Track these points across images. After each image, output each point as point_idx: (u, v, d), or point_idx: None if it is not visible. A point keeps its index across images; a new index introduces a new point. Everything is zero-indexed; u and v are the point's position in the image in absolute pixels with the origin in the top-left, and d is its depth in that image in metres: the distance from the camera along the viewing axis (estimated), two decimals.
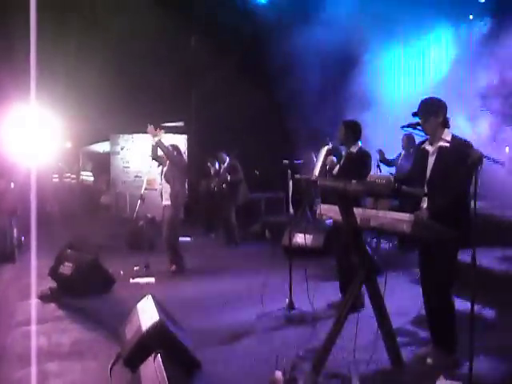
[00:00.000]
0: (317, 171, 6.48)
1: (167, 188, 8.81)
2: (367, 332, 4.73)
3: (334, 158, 6.72)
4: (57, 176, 19.78)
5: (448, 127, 4.77)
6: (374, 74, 12.32)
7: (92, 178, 20.84)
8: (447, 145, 4.62)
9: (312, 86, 12.16)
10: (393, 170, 9.81)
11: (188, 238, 11.92)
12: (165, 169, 8.92)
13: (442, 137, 4.67)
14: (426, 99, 4.84)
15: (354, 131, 6.61)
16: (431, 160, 4.77)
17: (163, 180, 8.92)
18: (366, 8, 11.37)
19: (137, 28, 14.03)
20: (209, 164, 12.74)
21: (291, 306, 6.59)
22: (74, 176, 21.18)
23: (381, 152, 9.71)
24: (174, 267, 8.95)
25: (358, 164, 6.37)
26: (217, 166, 12.58)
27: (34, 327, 6.07)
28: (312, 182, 6.20)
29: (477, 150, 4.15)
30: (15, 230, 10.26)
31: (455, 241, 4.42)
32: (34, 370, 4.90)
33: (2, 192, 11.17)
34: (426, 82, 12.65)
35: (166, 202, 8.83)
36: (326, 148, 6.61)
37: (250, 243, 12.10)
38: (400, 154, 10.04)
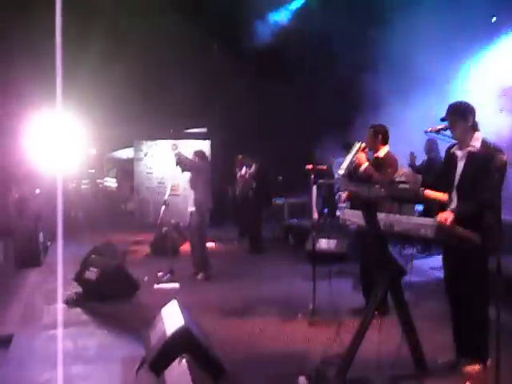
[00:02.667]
0: (344, 169, 6.39)
1: (192, 194, 8.87)
2: (391, 336, 4.71)
3: (364, 156, 6.65)
4: (87, 182, 19.98)
5: (478, 131, 4.70)
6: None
7: (116, 184, 21.00)
8: (477, 150, 4.56)
9: (336, 89, 12.14)
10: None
11: (212, 244, 11.95)
12: (190, 175, 8.98)
13: (472, 141, 4.61)
14: (454, 103, 4.77)
15: (382, 135, 6.56)
16: (460, 165, 4.70)
17: (189, 186, 8.99)
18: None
19: (161, 35, 14.15)
20: (237, 169, 12.64)
21: (315, 311, 6.58)
22: (100, 181, 21.39)
23: (412, 155, 9.61)
24: (201, 275, 8.97)
25: (386, 168, 6.31)
26: (243, 170, 12.51)
27: (59, 331, 6.13)
28: (340, 180, 6.15)
29: (502, 154, 4.10)
30: (41, 235, 10.37)
31: (483, 248, 4.34)
32: (59, 372, 4.95)
33: (27, 197, 11.31)
34: None
35: (192, 208, 8.88)
36: (358, 145, 6.52)
37: (273, 249, 12.10)
38: (423, 161, 10.00)
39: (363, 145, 6.53)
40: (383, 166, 6.39)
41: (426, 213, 8.28)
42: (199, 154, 9.17)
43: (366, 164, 6.49)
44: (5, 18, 12.52)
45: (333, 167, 11.89)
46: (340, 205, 8.93)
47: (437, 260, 8.22)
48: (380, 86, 10.77)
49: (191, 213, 8.94)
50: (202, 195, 8.85)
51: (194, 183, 8.89)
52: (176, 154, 8.75)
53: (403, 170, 6.44)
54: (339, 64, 11.65)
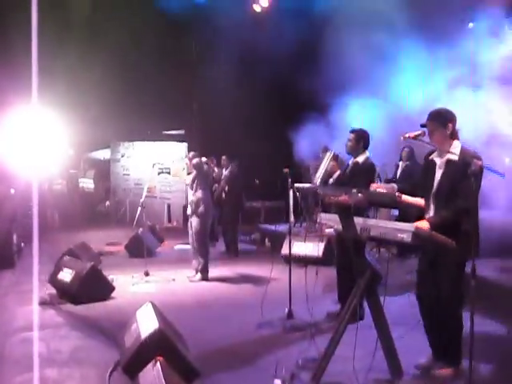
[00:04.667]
0: (319, 178, 6.46)
1: (193, 197, 8.94)
2: (366, 341, 4.72)
3: (336, 164, 6.70)
4: (61, 182, 19.78)
5: (457, 139, 4.72)
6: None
7: (93, 185, 20.86)
8: (456, 158, 4.59)
9: (314, 95, 12.17)
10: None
11: (188, 246, 11.90)
12: (191, 178, 8.97)
13: (451, 149, 4.63)
14: (435, 110, 4.79)
15: (365, 140, 6.57)
16: (439, 173, 4.73)
17: (189, 189, 9.04)
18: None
19: (139, 37, 14.09)
20: (223, 169, 12.55)
21: (290, 315, 6.58)
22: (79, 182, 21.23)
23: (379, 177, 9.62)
24: (198, 276, 8.98)
25: (363, 175, 6.32)
26: (223, 171, 12.47)
27: (33, 333, 6.05)
28: (314, 190, 6.19)
29: (478, 160, 4.14)
30: (15, 236, 10.25)
31: (459, 253, 4.37)
32: (33, 376, 4.88)
33: (1, 198, 11.17)
34: None
35: (191, 211, 8.95)
36: (329, 154, 6.56)
37: (249, 252, 12.10)
38: (397, 166, 10.06)
39: (333, 153, 6.58)
40: (360, 171, 6.41)
41: (402, 217, 8.35)
42: (196, 155, 9.19)
43: (337, 172, 6.53)
44: None
45: (310, 170, 11.95)
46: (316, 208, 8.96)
47: (412, 264, 8.29)
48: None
49: (191, 216, 8.97)
50: (204, 198, 8.87)
51: (195, 186, 8.91)
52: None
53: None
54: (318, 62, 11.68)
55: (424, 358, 4.93)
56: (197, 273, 9.00)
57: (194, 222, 8.91)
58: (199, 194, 8.84)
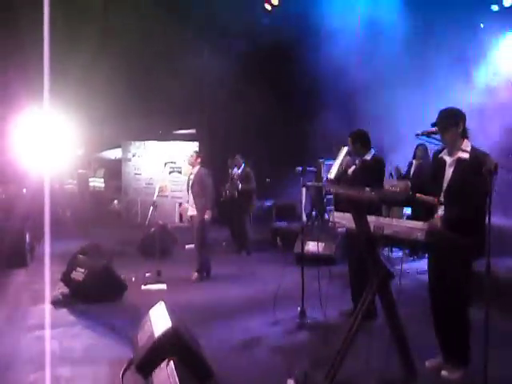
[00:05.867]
0: (333, 173, 6.41)
1: (193, 198, 8.94)
2: (380, 340, 4.70)
3: (351, 160, 6.67)
4: (72, 182, 19.87)
5: (467, 138, 4.71)
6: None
7: (103, 185, 20.91)
8: (466, 156, 4.58)
9: (325, 92, 12.15)
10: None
11: None
12: (191, 177, 8.96)
13: (461, 148, 4.62)
14: (445, 109, 4.77)
15: (362, 141, 6.56)
16: (449, 171, 4.72)
17: (189, 189, 9.04)
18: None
19: (150, 37, 14.10)
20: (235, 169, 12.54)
21: (303, 314, 6.57)
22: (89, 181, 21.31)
23: (397, 170, 9.60)
24: (196, 276, 8.99)
25: (373, 171, 6.32)
26: (235, 170, 12.47)
27: (46, 332, 6.08)
28: (329, 184, 6.15)
29: (492, 158, 4.11)
30: (27, 235, 10.29)
31: (469, 251, 4.37)
32: (45, 374, 4.91)
33: (13, 197, 11.22)
34: None
35: (192, 212, 8.96)
36: (345, 148, 6.54)
37: (261, 251, 12.09)
38: (411, 164, 10.02)
39: (348, 149, 6.56)
40: (371, 168, 6.40)
41: (414, 216, 8.31)
42: (201, 155, 9.18)
43: (353, 167, 6.52)
44: None
45: (322, 169, 11.91)
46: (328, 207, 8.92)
47: (424, 264, 8.26)
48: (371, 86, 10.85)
49: (191, 216, 8.98)
50: (205, 199, 8.87)
51: (196, 187, 8.91)
52: None
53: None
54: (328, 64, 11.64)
55: (438, 356, 4.91)
56: (195, 272, 9.03)
57: (195, 221, 8.92)
58: (199, 195, 8.84)
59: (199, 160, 9.07)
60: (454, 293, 4.64)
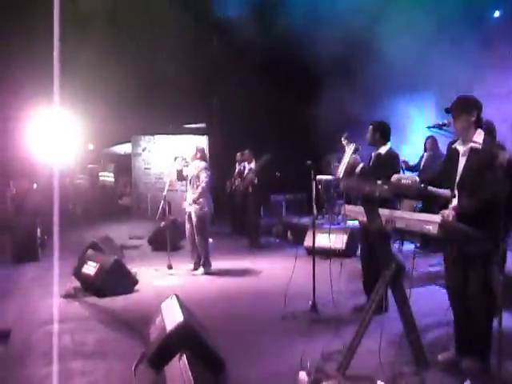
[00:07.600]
0: (341, 171, 6.41)
1: (192, 193, 8.88)
2: (392, 333, 4.69)
3: (358, 157, 6.67)
4: (83, 177, 19.98)
5: (481, 127, 4.65)
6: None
7: (113, 179, 20.99)
8: (479, 146, 4.49)
9: (336, 85, 12.09)
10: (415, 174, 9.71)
11: (210, 240, 11.91)
12: (190, 174, 8.93)
13: (474, 137, 4.56)
14: (461, 96, 4.71)
15: (382, 132, 6.53)
16: (462, 161, 4.64)
17: (189, 185, 8.97)
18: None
19: (159, 31, 14.10)
20: (245, 163, 12.51)
21: (314, 307, 6.56)
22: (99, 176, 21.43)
23: (405, 163, 9.57)
24: (200, 270, 8.99)
25: (386, 165, 6.29)
26: (244, 165, 12.45)
27: (58, 326, 6.10)
28: (337, 181, 6.15)
29: (506, 151, 4.07)
30: (39, 230, 10.34)
31: (485, 245, 4.29)
32: (58, 368, 4.92)
33: (24, 192, 11.29)
34: None
35: (190, 207, 8.90)
36: (351, 146, 6.53)
37: (272, 245, 12.09)
38: (422, 156, 9.99)
39: (355, 146, 6.55)
40: (384, 163, 6.37)
41: (426, 209, 8.27)
42: (201, 150, 9.13)
43: (361, 165, 6.51)
44: (2, 15, 12.49)
45: (332, 163, 11.88)
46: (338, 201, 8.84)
47: (436, 257, 8.23)
48: (383, 81, 10.77)
49: (189, 212, 8.93)
50: (205, 193, 8.84)
51: (194, 182, 8.86)
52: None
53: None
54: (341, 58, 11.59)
55: (450, 350, 4.88)
56: (199, 266, 9.01)
57: (193, 215, 8.88)
58: (200, 189, 8.81)
59: (199, 155, 9.04)
60: (474, 286, 4.51)
